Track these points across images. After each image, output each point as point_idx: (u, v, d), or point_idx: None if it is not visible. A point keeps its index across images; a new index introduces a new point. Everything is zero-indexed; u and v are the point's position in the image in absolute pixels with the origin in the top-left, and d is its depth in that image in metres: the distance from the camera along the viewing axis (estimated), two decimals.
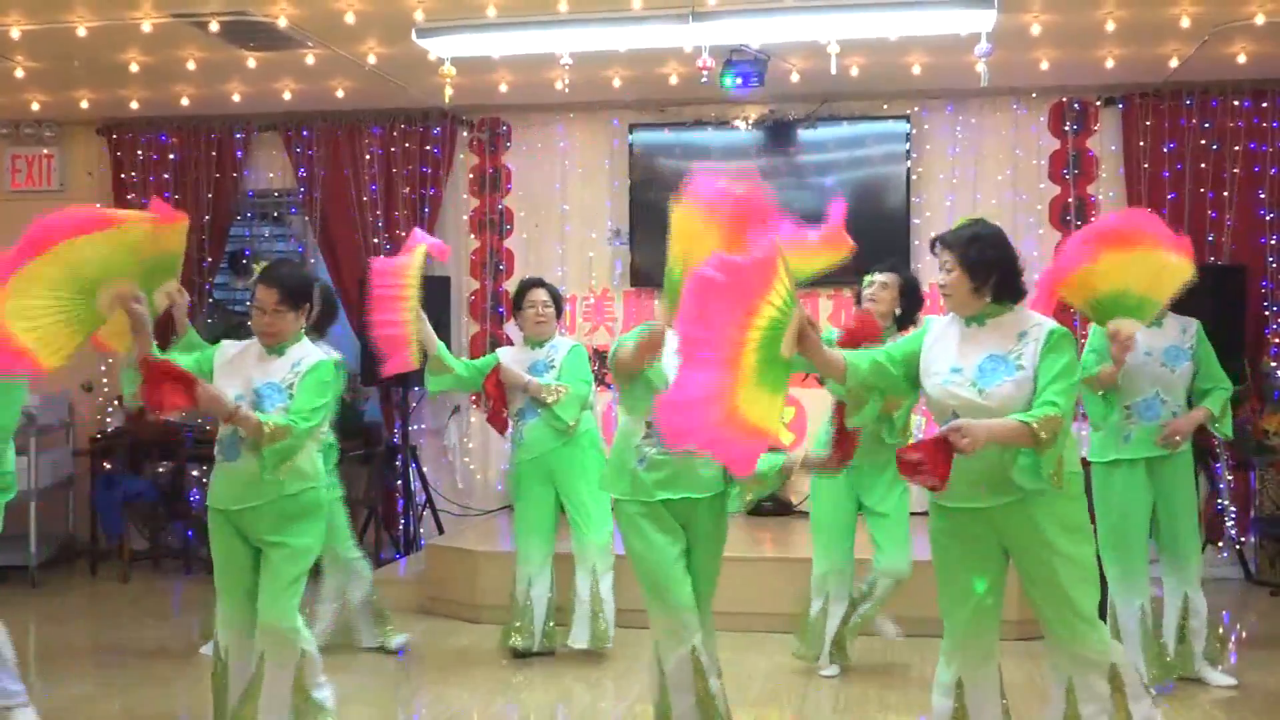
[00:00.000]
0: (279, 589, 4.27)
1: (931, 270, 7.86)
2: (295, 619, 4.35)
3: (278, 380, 4.25)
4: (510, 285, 8.35)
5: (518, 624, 5.79)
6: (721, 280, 3.48)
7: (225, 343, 4.42)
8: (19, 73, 7.26)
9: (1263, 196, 7.51)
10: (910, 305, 5.35)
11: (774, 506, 7.76)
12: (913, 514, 5.34)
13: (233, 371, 4.26)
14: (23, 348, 3.92)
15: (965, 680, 3.74)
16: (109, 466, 8.21)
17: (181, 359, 4.21)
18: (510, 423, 5.90)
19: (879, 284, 5.32)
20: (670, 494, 4.11)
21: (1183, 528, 5.18)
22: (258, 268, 4.56)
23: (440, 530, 7.91)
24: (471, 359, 6.07)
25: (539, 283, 5.98)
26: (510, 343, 8.32)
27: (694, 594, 4.16)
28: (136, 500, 8.15)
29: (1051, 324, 3.69)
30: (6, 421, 4.50)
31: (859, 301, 5.46)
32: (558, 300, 6.00)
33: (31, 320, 3.94)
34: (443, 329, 8.00)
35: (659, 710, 4.18)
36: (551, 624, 5.82)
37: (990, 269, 3.66)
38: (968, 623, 3.71)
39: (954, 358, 3.66)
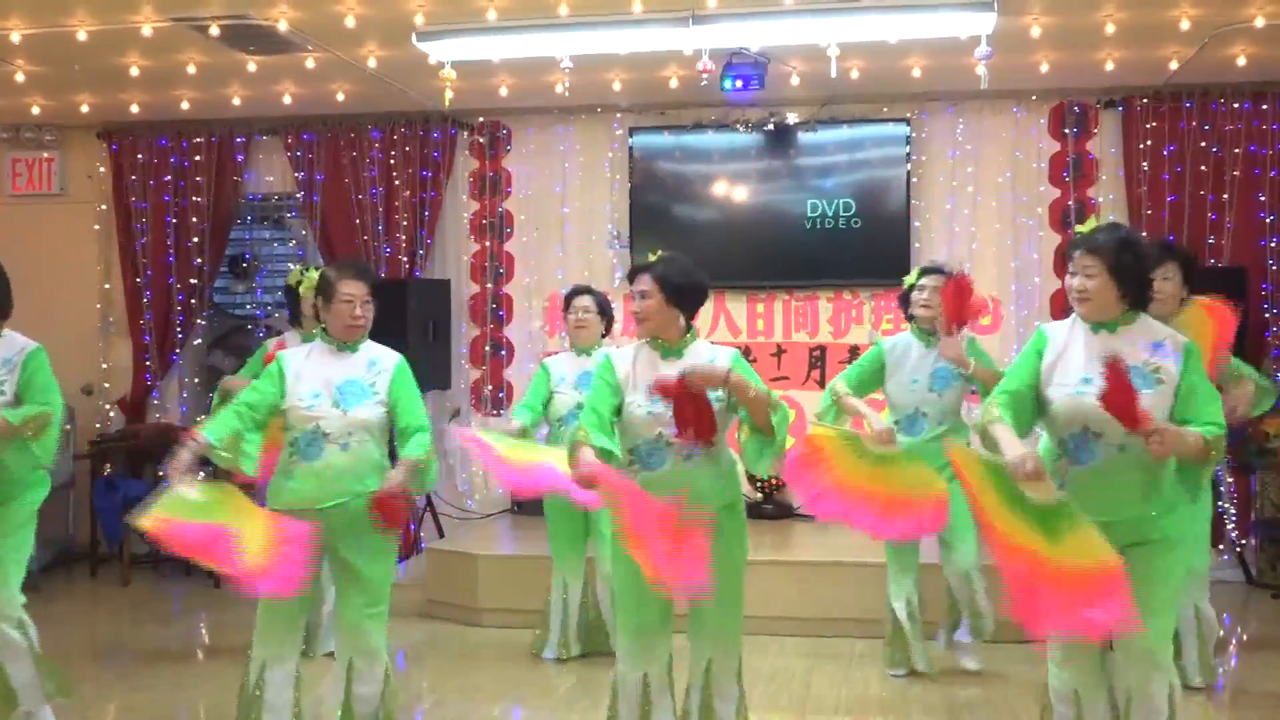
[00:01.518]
0: (370, 595, 4.27)
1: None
2: (383, 628, 4.33)
3: (357, 377, 4.29)
4: (510, 289, 8.39)
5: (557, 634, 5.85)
6: None
7: (284, 353, 4.44)
8: (19, 76, 7.27)
9: (1263, 199, 7.51)
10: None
11: (774, 510, 7.75)
12: None
13: (310, 374, 4.28)
14: None
15: (1080, 689, 3.69)
16: (109, 470, 8.20)
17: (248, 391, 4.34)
18: (549, 429, 5.84)
19: (930, 288, 5.38)
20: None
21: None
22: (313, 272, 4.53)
23: (441, 534, 7.90)
24: (529, 404, 5.90)
25: (585, 290, 5.94)
26: (511, 347, 8.39)
27: (698, 616, 4.04)
28: (137, 504, 8.12)
29: (1184, 338, 3.68)
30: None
31: (905, 304, 5.51)
32: (604, 308, 5.91)
33: None
34: (441, 335, 8.05)
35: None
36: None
37: (1138, 277, 3.64)
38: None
39: (1083, 367, 3.61)
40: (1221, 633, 6.31)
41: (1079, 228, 3.85)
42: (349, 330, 4.33)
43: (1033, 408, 3.68)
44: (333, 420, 4.22)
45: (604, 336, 5.89)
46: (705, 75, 6.49)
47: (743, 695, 4.14)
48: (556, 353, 6.23)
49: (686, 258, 4.14)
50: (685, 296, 4.04)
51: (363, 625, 4.29)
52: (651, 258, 4.11)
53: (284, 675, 4.30)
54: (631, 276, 4.11)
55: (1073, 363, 3.63)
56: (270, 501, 4.28)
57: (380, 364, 4.38)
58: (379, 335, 4.53)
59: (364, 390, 4.29)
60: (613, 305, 6.07)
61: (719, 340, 7.15)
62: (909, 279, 5.57)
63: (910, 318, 5.51)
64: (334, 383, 4.28)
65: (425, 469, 4.29)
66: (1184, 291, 5.04)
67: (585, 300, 5.81)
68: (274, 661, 4.30)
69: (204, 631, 6.79)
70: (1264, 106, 7.51)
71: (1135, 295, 3.65)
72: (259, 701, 4.27)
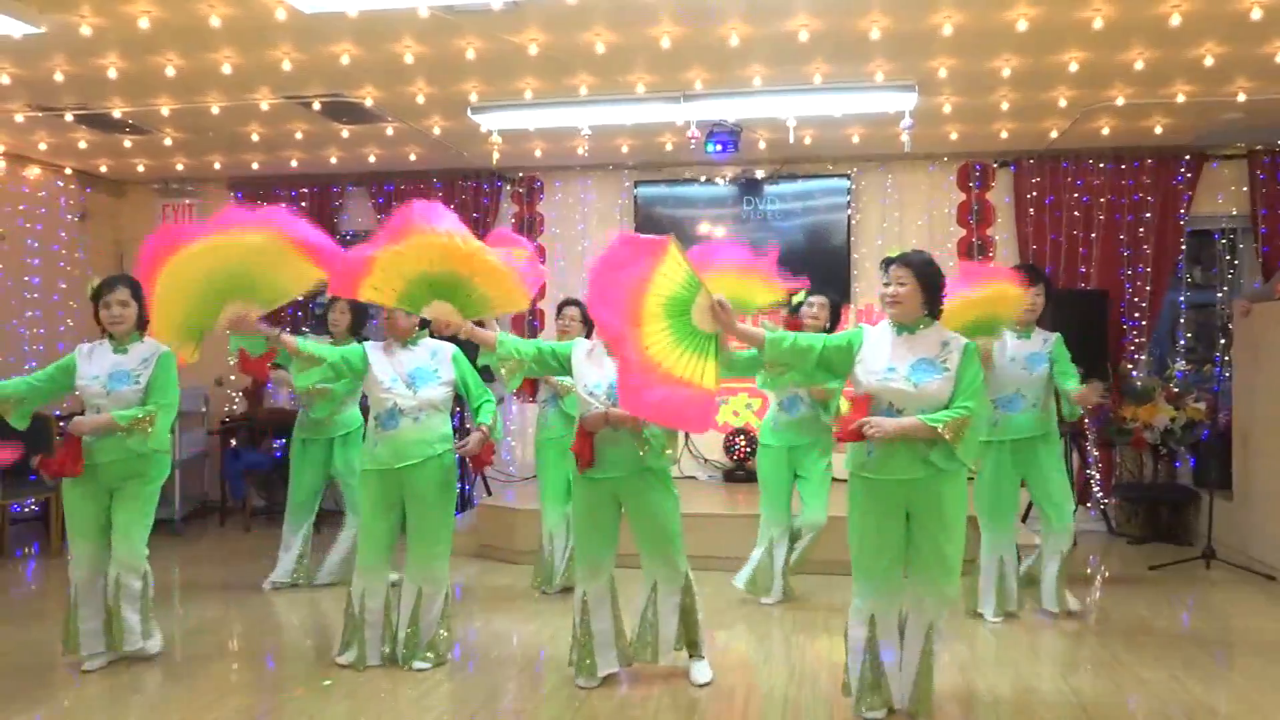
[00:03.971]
0: (434, 537, 4.31)
1: (865, 292, 7.91)
2: (446, 563, 4.38)
3: (424, 365, 4.35)
4: (543, 305, 8.37)
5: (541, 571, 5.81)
6: (614, 257, 3.49)
7: (368, 344, 4.49)
8: (168, 141, 7.28)
9: (1122, 238, 7.49)
10: (834, 321, 5.36)
11: (745, 475, 7.75)
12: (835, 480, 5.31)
13: (389, 364, 4.36)
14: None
15: (876, 614, 3.71)
16: (234, 443, 8.22)
17: (327, 349, 4.37)
18: (539, 408, 5.83)
19: (818, 305, 5.30)
20: (599, 475, 4.05)
21: (1055, 490, 5.10)
22: None
23: (489, 492, 7.90)
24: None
25: (574, 301, 5.83)
26: None
27: (644, 548, 4.11)
28: (255, 469, 8.14)
29: (965, 339, 3.67)
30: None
31: (794, 314, 5.39)
32: (586, 317, 5.78)
33: (167, 320, 3.96)
34: None
35: (581, 627, 4.16)
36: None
37: (937, 287, 3.65)
38: (883, 570, 3.67)
39: (888, 359, 3.61)
40: (1089, 571, 6.33)
41: (890, 251, 3.83)
42: (391, 330, 4.43)
43: (809, 360, 3.65)
44: (406, 398, 4.24)
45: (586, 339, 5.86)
46: (693, 140, 6.50)
47: (691, 608, 4.18)
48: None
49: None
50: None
51: (429, 561, 4.31)
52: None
53: (377, 604, 4.34)
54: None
55: (879, 355, 3.63)
56: (362, 464, 4.41)
57: (440, 354, 4.41)
58: (440, 340, 4.55)
59: (430, 375, 4.32)
60: None
61: None
62: (797, 297, 5.36)
63: (799, 328, 5.33)
64: (406, 370, 4.30)
65: (495, 426, 4.49)
66: (1046, 304, 5.11)
67: (573, 310, 5.74)
68: (369, 594, 4.33)
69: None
70: (1123, 166, 7.49)
71: (933, 304, 3.65)
72: (361, 620, 4.34)
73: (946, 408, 3.54)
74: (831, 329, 5.30)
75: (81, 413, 4.41)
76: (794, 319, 5.15)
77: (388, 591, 4.38)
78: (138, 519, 4.38)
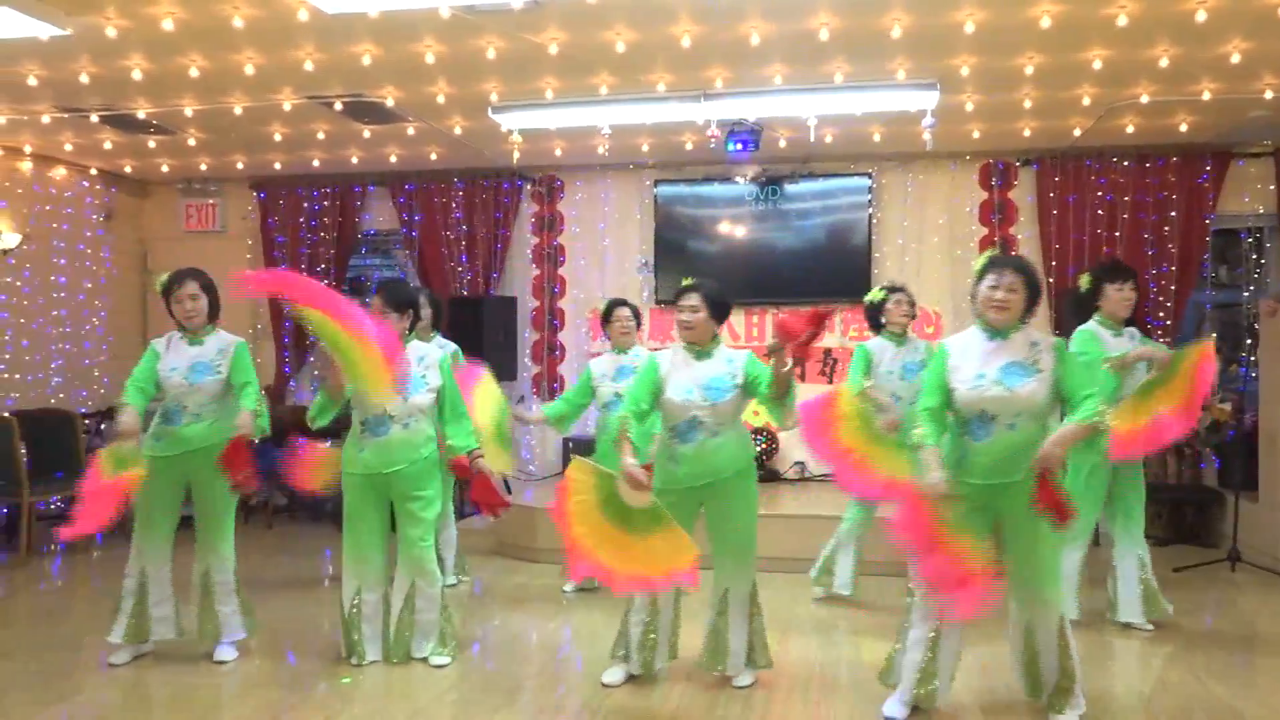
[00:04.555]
0: (423, 532, 4.30)
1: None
2: (434, 556, 4.38)
3: (413, 372, 4.30)
4: (563, 304, 8.39)
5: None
6: None
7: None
8: (191, 141, 7.34)
9: (1146, 237, 7.43)
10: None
11: (764, 475, 7.72)
12: None
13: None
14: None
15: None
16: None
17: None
18: (600, 413, 5.69)
19: (906, 302, 5.40)
20: (690, 483, 4.00)
21: (1131, 497, 5.00)
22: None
23: (509, 491, 7.90)
24: (565, 398, 5.77)
25: (623, 302, 5.81)
26: (563, 348, 8.38)
27: (721, 553, 4.07)
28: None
29: (1053, 337, 3.69)
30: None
31: (874, 315, 5.42)
32: (637, 316, 5.80)
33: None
34: (510, 339, 8.06)
35: (624, 624, 4.20)
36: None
37: (1039, 292, 3.64)
38: None
39: (978, 366, 3.56)
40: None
41: (989, 252, 3.82)
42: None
43: (942, 406, 3.63)
44: (396, 406, 4.23)
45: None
46: (713, 140, 6.48)
47: (756, 616, 4.16)
48: (599, 354, 6.16)
49: (719, 284, 4.18)
50: (721, 311, 4.07)
51: (421, 554, 4.32)
52: (686, 281, 4.13)
53: (374, 597, 4.37)
54: (678, 295, 4.10)
55: (970, 363, 3.59)
56: (345, 468, 4.34)
57: (427, 359, 4.38)
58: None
59: (419, 381, 4.30)
60: (640, 316, 6.00)
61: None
62: (873, 295, 5.45)
63: (880, 325, 5.40)
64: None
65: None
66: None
67: (625, 310, 5.72)
68: (365, 588, 4.35)
69: (328, 564, 6.82)
70: (1147, 164, 7.43)
71: (1033, 309, 3.64)
72: (358, 617, 4.36)
73: (1069, 408, 3.51)
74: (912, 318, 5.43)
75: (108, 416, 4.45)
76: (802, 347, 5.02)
77: (386, 587, 4.41)
78: (227, 510, 4.53)
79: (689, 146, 7.51)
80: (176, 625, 4.55)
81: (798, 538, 6.21)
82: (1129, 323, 5.01)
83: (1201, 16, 4.77)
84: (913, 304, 5.47)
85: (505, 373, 7.76)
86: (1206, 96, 6.06)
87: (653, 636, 4.15)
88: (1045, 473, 3.40)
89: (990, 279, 3.59)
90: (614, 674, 4.16)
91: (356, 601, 4.36)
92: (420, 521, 4.31)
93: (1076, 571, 4.94)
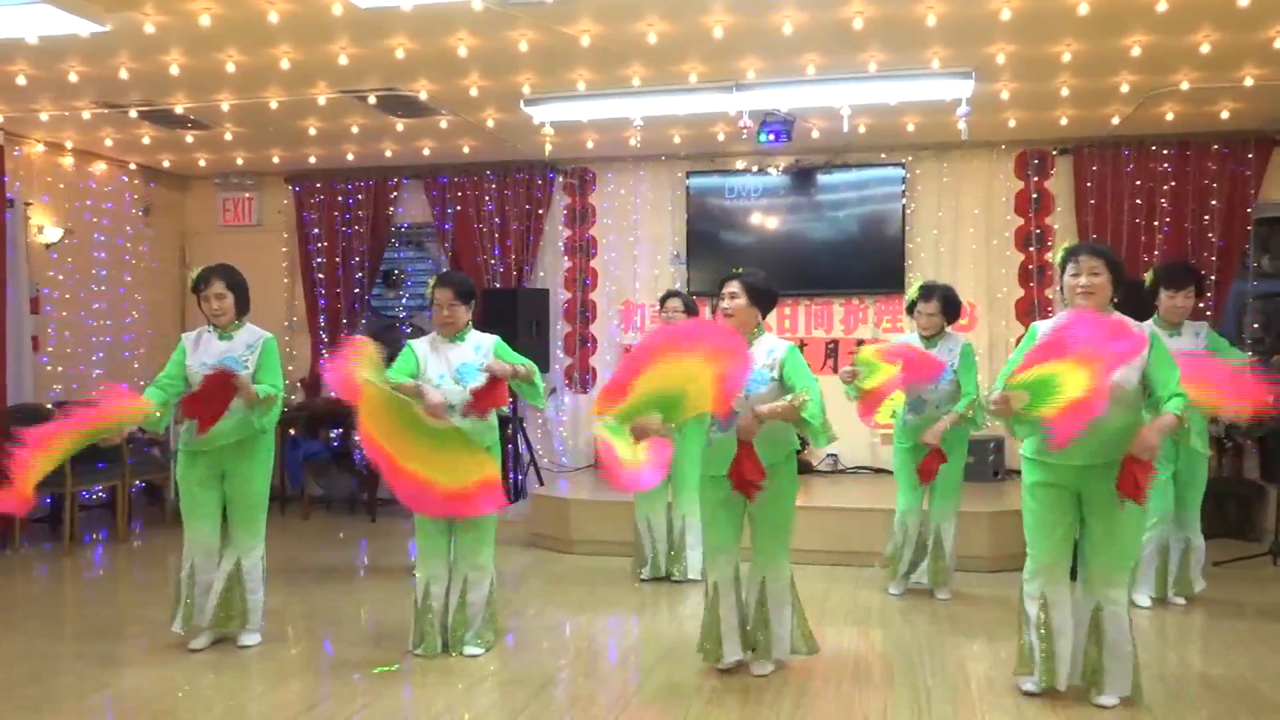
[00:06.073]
0: (482, 520, 4.32)
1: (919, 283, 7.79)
2: (490, 548, 4.43)
3: (470, 361, 4.33)
4: (595, 296, 8.39)
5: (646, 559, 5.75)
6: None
7: (413, 343, 4.47)
8: (228, 136, 7.42)
9: (1187, 226, 7.30)
10: (952, 315, 5.41)
11: (799, 466, 7.68)
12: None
13: (436, 360, 4.35)
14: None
15: (1047, 593, 3.72)
16: (293, 432, 8.35)
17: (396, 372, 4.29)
18: None
19: (933, 307, 5.28)
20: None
21: (1190, 490, 5.12)
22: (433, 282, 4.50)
23: (541, 482, 7.94)
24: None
25: (677, 293, 5.84)
26: (595, 340, 8.40)
27: (761, 541, 4.08)
28: (314, 458, 8.28)
29: (1150, 325, 3.67)
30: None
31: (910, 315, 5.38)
32: (690, 307, 5.78)
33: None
34: (542, 331, 8.08)
35: (708, 613, 4.17)
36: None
37: (1123, 277, 3.65)
38: (1052, 550, 3.70)
39: None
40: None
41: (1065, 245, 3.78)
42: (442, 327, 4.39)
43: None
44: (455, 394, 4.26)
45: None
46: (745, 130, 6.44)
47: (795, 603, 4.18)
48: (633, 345, 6.16)
49: (763, 272, 4.18)
50: (763, 299, 4.07)
51: (477, 547, 4.34)
52: (736, 270, 4.16)
53: (440, 588, 4.42)
54: (722, 283, 4.11)
55: None
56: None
57: (483, 347, 4.41)
58: (494, 332, 4.57)
59: (475, 370, 4.33)
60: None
61: None
62: (911, 294, 5.41)
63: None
64: (455, 365, 4.32)
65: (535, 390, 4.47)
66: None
67: (676, 301, 5.73)
68: (434, 580, 4.39)
69: (364, 555, 6.89)
70: (1188, 152, 7.30)
71: (1117, 294, 3.61)
72: (428, 607, 4.41)
73: (1157, 396, 3.51)
74: (950, 321, 5.33)
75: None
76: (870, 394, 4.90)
77: (450, 583, 4.43)
78: (260, 503, 4.57)
79: (721, 138, 7.48)
80: (214, 617, 4.57)
81: (830, 530, 6.20)
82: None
83: (1244, 1, 4.68)
84: (944, 310, 5.30)
85: (538, 364, 7.75)
86: (1249, 83, 5.95)
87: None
88: (1137, 459, 3.42)
89: (1071, 268, 3.63)
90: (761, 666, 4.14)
91: (425, 593, 4.42)
92: (483, 519, 4.34)
93: (1155, 554, 5.09)
